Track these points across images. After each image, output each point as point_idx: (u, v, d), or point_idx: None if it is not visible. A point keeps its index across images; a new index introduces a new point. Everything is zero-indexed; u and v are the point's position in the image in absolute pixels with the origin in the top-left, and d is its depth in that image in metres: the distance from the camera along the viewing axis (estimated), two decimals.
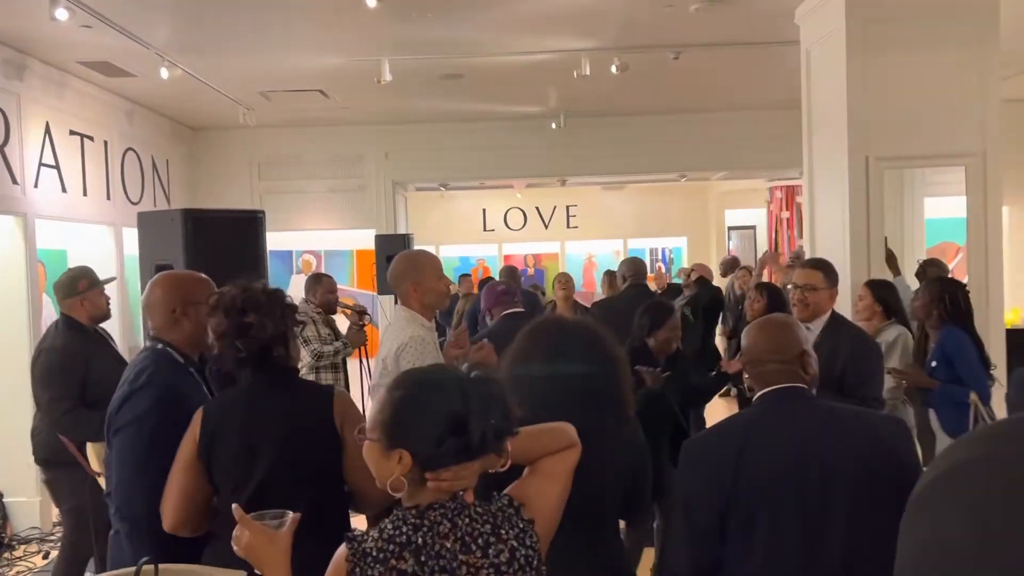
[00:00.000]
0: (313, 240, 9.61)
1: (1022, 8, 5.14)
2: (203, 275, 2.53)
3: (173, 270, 2.70)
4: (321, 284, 5.36)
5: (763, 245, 14.94)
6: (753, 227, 15.30)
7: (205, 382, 2.42)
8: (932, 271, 5.46)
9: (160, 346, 2.37)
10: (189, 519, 2.12)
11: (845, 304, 4.82)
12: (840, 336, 3.52)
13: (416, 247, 8.23)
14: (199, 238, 3.30)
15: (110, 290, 3.99)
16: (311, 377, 5.15)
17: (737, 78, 7.43)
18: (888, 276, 4.89)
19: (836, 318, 3.67)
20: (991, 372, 4.08)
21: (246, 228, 3.61)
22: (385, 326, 3.22)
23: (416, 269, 3.08)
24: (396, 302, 3.42)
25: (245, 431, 2.11)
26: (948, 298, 4.11)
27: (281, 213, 9.08)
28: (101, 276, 4.04)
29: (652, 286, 8.07)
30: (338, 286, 9.55)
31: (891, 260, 5.12)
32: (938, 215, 7.87)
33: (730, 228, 15.22)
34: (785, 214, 14.05)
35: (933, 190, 7.58)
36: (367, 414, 1.61)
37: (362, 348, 5.38)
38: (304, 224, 9.24)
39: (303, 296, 5.45)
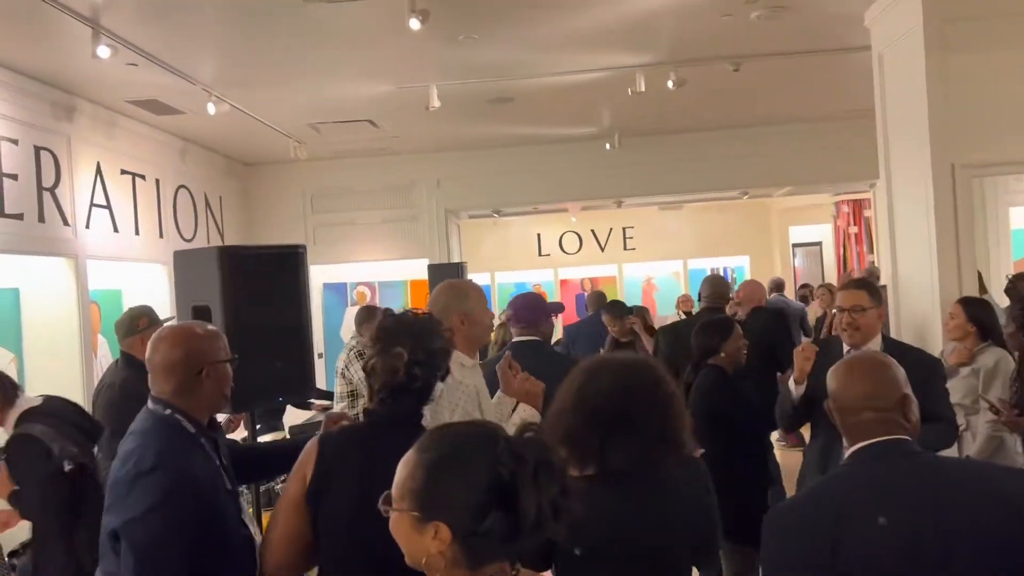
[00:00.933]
0: (367, 272, 9.49)
1: None
2: (213, 326, 2.32)
3: (181, 323, 2.43)
4: (375, 318, 5.16)
5: (830, 262, 14.42)
6: (819, 243, 14.78)
7: (216, 450, 2.18)
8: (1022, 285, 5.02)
9: (168, 412, 2.11)
10: (292, 563, 2.01)
11: (935, 325, 4.43)
12: (903, 357, 3.22)
13: (470, 275, 8.06)
14: (237, 276, 3.11)
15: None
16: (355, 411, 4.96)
17: (799, 88, 7.08)
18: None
19: (889, 339, 3.42)
20: None
21: (287, 263, 3.42)
22: None
23: (462, 299, 2.79)
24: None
25: (363, 475, 1.90)
26: None
27: (334, 245, 9.02)
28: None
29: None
30: None
31: (976, 278, 4.71)
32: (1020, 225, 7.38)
33: (795, 245, 14.73)
34: (853, 229, 13.54)
35: (1018, 199, 7.10)
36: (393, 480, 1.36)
37: None
38: (357, 256, 9.13)
39: (354, 331, 5.27)
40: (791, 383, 3.30)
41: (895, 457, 1.73)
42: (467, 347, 2.77)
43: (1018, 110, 4.30)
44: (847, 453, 1.79)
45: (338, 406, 5.05)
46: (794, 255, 14.76)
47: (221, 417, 2.91)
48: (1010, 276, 5.36)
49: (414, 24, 4.31)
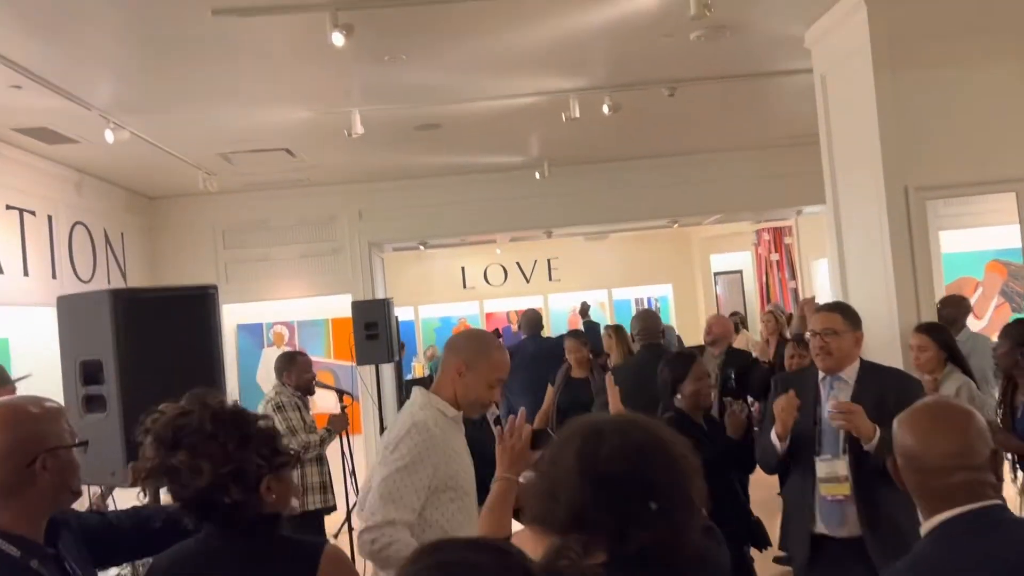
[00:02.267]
0: (285, 310, 8.93)
1: None
2: (52, 402, 1.74)
3: (7, 400, 1.83)
4: (296, 364, 4.70)
5: (750, 289, 14.52)
6: (740, 271, 14.89)
7: (59, 564, 1.61)
8: (948, 311, 4.94)
9: None
10: None
11: (894, 355, 4.24)
12: (883, 380, 3.07)
13: (396, 310, 7.63)
14: (135, 323, 2.64)
15: (46, 386, 3.32)
16: (295, 472, 4.46)
17: (731, 115, 6.97)
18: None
19: (867, 363, 3.19)
20: None
21: (195, 307, 2.95)
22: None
23: (481, 354, 2.42)
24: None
25: None
26: None
27: (248, 283, 8.44)
28: (34, 370, 3.39)
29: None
30: (314, 359, 8.93)
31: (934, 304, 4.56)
32: (953, 249, 7.41)
33: (716, 273, 14.80)
34: (774, 256, 13.63)
35: (948, 223, 7.11)
36: None
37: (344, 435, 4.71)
38: (274, 293, 8.57)
39: (275, 378, 4.78)
40: (774, 437, 3.03)
41: (996, 528, 1.42)
42: (461, 398, 2.42)
43: (969, 129, 4.19)
44: (930, 524, 1.47)
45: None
46: (716, 283, 14.83)
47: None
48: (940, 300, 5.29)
49: (337, 39, 3.92)
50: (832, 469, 2.92)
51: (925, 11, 4.20)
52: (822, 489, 2.93)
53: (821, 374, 3.11)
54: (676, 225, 9.87)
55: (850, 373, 3.07)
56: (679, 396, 3.60)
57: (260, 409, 4.62)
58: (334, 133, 6.04)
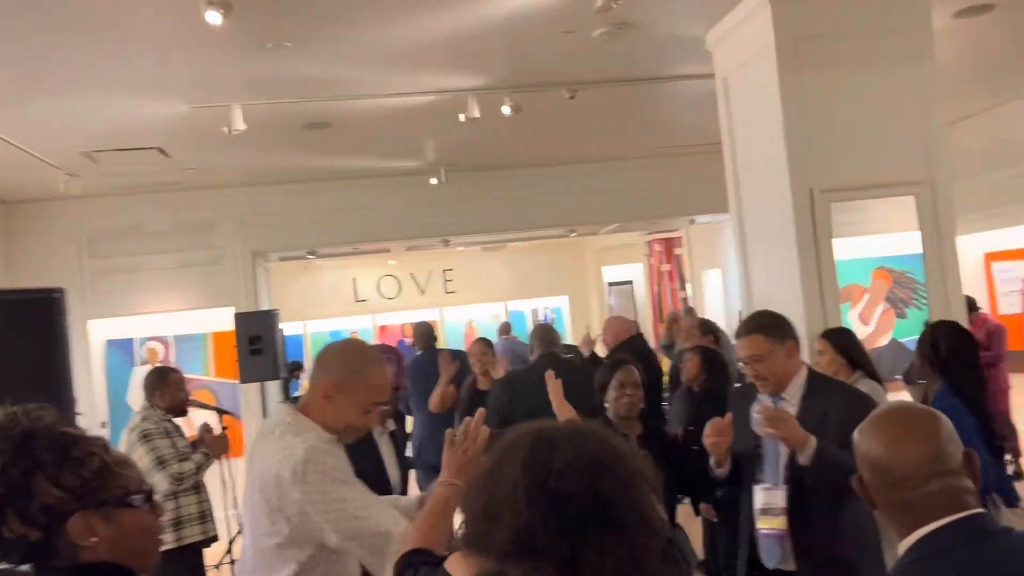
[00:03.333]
0: (159, 325, 8.26)
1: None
2: None
3: None
4: (167, 382, 4.21)
5: (642, 300, 14.66)
6: (631, 282, 15.03)
7: None
8: None
9: None
10: None
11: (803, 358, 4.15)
12: (829, 398, 2.81)
13: (282, 324, 7.15)
14: None
15: None
16: (170, 504, 3.98)
17: (632, 120, 6.89)
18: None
19: (815, 376, 2.95)
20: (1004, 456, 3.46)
21: (38, 313, 2.52)
22: (255, 435, 2.19)
23: (356, 373, 2.06)
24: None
25: None
26: (934, 345, 3.50)
27: (118, 296, 7.78)
28: None
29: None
30: (192, 376, 8.31)
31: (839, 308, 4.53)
32: (841, 256, 7.54)
33: (609, 284, 14.88)
34: (665, 267, 13.80)
35: (839, 230, 7.23)
36: None
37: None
38: (147, 306, 7.91)
39: (144, 400, 4.28)
40: (713, 465, 2.81)
41: (985, 539, 1.25)
42: (331, 423, 2.06)
43: (872, 132, 4.17)
44: (910, 541, 1.27)
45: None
46: (609, 294, 14.91)
47: None
48: None
49: (212, 18, 3.53)
50: (771, 499, 2.70)
51: (828, 12, 4.17)
52: (759, 522, 2.72)
53: (766, 396, 2.86)
54: (573, 234, 9.77)
55: (793, 391, 2.82)
56: (606, 404, 3.38)
57: (123, 439, 4.10)
58: (212, 130, 5.57)
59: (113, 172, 6.81)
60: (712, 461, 2.79)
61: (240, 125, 5.24)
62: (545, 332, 5.40)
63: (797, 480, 2.65)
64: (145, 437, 3.97)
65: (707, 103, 5.59)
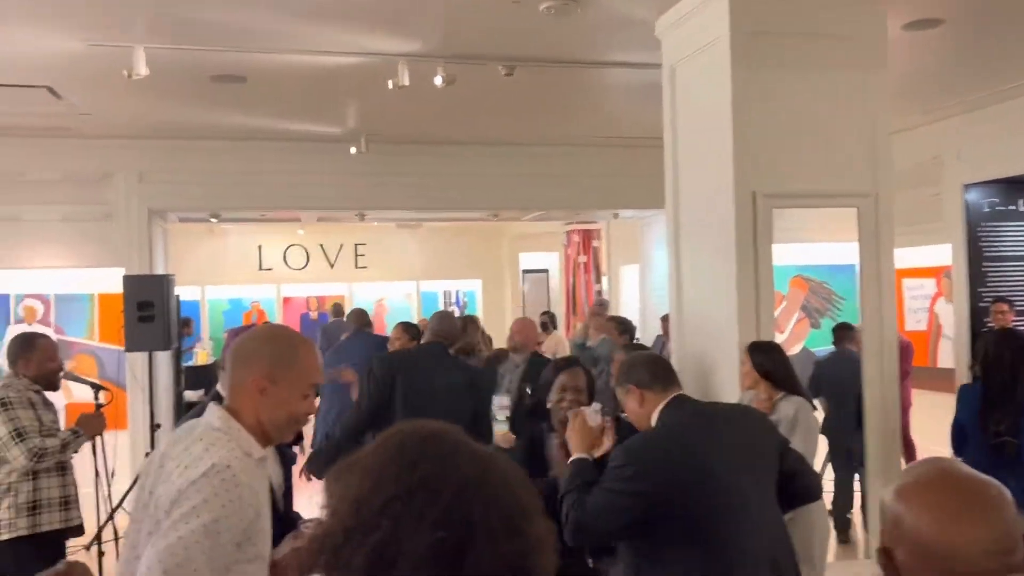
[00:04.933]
0: (39, 282, 7.57)
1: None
2: None
3: None
4: (35, 349, 3.72)
5: (556, 289, 14.56)
6: (546, 271, 14.90)
7: None
8: None
9: None
10: None
11: (727, 371, 4.00)
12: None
13: (177, 289, 6.61)
14: None
15: None
16: (26, 486, 3.51)
17: (568, 106, 6.63)
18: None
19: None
20: None
21: None
22: (174, 434, 1.83)
23: (287, 360, 1.80)
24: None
25: None
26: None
27: None
28: None
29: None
30: (75, 340, 7.66)
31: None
32: None
33: (524, 271, 14.71)
34: (582, 258, 13.69)
35: (776, 236, 7.20)
36: None
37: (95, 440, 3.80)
38: (26, 261, 7.23)
39: (7, 367, 3.78)
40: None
41: None
42: (258, 430, 1.78)
43: (823, 137, 4.03)
44: None
45: None
46: (524, 281, 14.73)
47: None
48: None
49: None
50: None
51: (785, 8, 4.00)
52: None
53: None
54: (496, 218, 9.48)
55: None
56: (548, 406, 3.12)
57: None
58: (111, 73, 5.00)
59: None
60: None
61: (142, 70, 4.71)
62: (442, 322, 4.90)
63: None
64: (3, 405, 3.48)
65: (648, 95, 5.39)
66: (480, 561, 0.93)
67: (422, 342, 4.92)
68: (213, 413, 1.77)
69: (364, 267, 13.48)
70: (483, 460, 1.02)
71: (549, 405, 3.06)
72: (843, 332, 6.32)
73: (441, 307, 13.42)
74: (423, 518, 0.94)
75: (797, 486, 2.54)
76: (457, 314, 13.60)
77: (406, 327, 5.31)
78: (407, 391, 4.24)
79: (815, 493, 2.71)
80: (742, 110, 3.93)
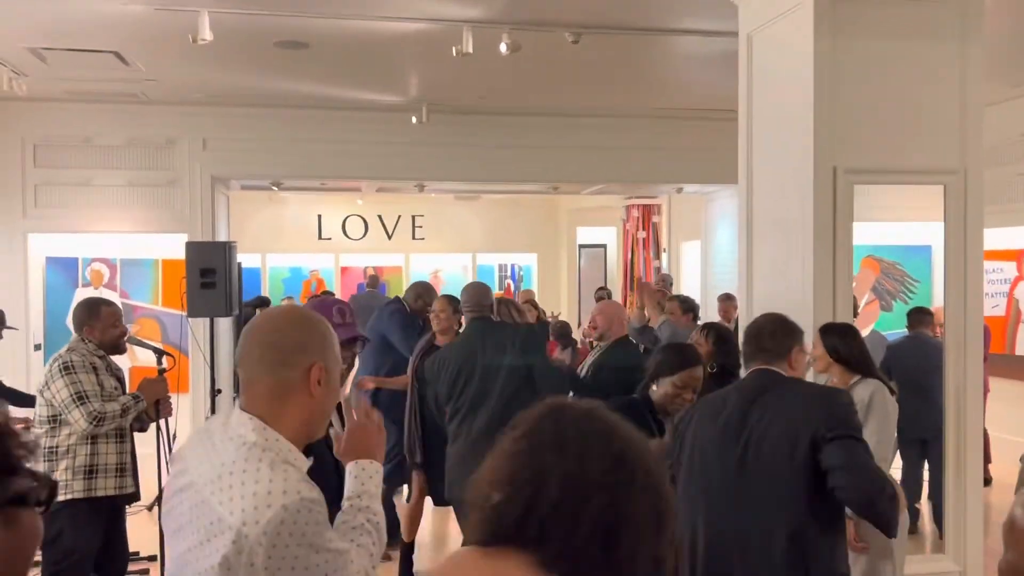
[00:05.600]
0: (106, 246, 7.71)
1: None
2: None
3: None
4: (99, 316, 3.73)
5: (613, 265, 14.36)
6: (604, 246, 14.70)
7: None
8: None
9: None
10: None
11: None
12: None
13: (240, 256, 6.64)
14: None
15: None
16: (84, 449, 3.54)
17: (636, 75, 6.43)
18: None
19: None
20: None
21: None
22: (198, 436, 1.63)
23: (329, 343, 1.59)
24: (236, 400, 1.74)
25: None
26: None
27: (62, 210, 7.23)
28: None
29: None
30: (139, 304, 7.80)
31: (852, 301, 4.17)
32: None
33: (581, 246, 14.53)
34: (641, 234, 13.47)
35: None
36: None
37: (158, 405, 3.82)
38: (94, 225, 7.35)
39: (74, 332, 3.81)
40: None
41: None
42: (310, 428, 1.57)
43: (909, 110, 3.79)
44: None
45: (38, 430, 3.58)
46: (581, 256, 14.57)
47: None
48: None
49: None
50: None
51: None
52: None
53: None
54: (555, 191, 9.32)
55: None
56: (654, 388, 3.03)
57: (47, 369, 3.64)
58: (176, 38, 5.01)
59: (64, 76, 6.22)
60: None
61: (207, 35, 4.69)
62: (474, 292, 4.70)
63: None
64: (66, 369, 3.51)
65: (721, 64, 5.18)
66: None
67: (463, 319, 4.72)
68: (240, 421, 1.50)
69: (421, 238, 13.47)
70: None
71: (654, 388, 2.98)
72: (919, 316, 6.04)
73: (496, 281, 13.37)
74: (636, 488, 1.10)
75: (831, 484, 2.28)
76: (513, 288, 13.56)
77: (449, 300, 5.13)
78: (468, 379, 4.14)
79: (842, 494, 2.29)
80: (824, 80, 3.72)
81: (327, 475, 1.74)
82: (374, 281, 11.05)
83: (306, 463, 1.52)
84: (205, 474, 1.47)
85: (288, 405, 1.52)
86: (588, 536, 1.07)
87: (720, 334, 4.13)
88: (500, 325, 4.39)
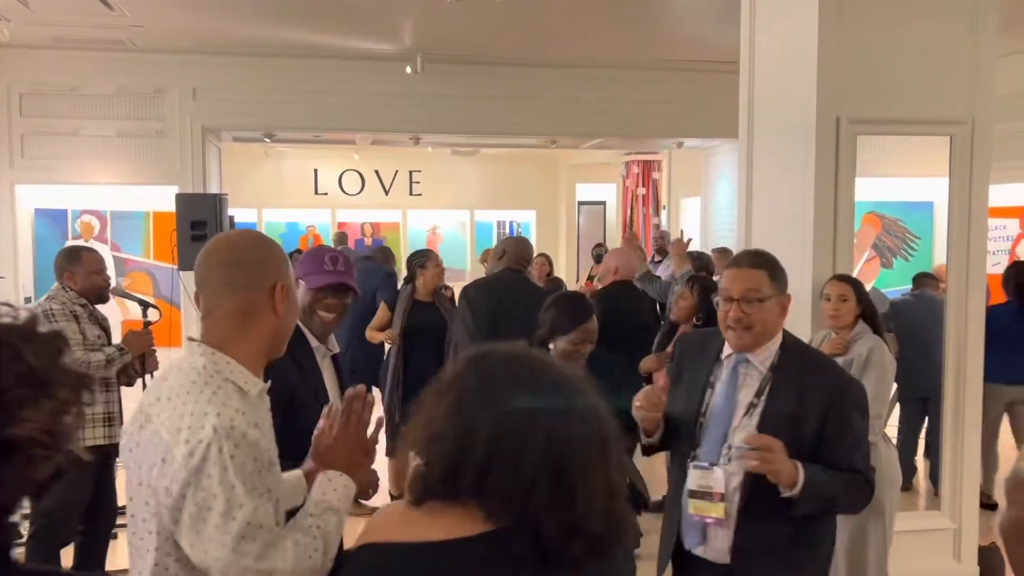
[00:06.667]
0: (96, 197, 7.59)
1: None
2: None
3: None
4: (80, 262, 3.65)
5: (612, 222, 14.26)
6: (603, 203, 14.59)
7: None
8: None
9: None
10: None
11: (801, 308, 3.74)
12: (810, 373, 2.25)
13: (231, 211, 6.54)
14: None
15: None
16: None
17: (638, 25, 6.25)
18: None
19: (790, 343, 2.33)
20: None
21: None
22: (159, 379, 1.55)
23: (280, 266, 1.57)
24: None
25: None
26: None
27: (51, 160, 7.10)
28: None
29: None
30: (129, 257, 7.71)
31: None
32: None
33: (580, 203, 14.41)
34: (641, 190, 13.34)
35: None
36: None
37: (143, 359, 3.75)
38: (83, 176, 7.22)
39: (56, 281, 3.73)
40: (642, 434, 2.36)
41: None
42: (276, 344, 1.57)
43: (916, 59, 3.67)
44: None
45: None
46: (579, 213, 14.46)
47: None
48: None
49: None
50: (706, 481, 2.20)
51: None
52: (690, 506, 2.22)
53: (727, 351, 2.30)
54: (554, 145, 9.17)
55: (764, 356, 2.25)
56: (551, 347, 2.97)
57: None
58: None
59: (50, 20, 6.04)
60: (644, 430, 2.34)
61: None
62: (517, 246, 4.74)
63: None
64: (45, 317, 3.43)
65: (722, 13, 5.02)
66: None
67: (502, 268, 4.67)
68: (193, 351, 1.48)
69: (419, 194, 13.36)
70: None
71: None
72: (924, 279, 5.98)
73: (494, 239, 13.26)
74: (575, 418, 1.11)
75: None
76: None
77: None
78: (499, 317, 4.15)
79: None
80: (828, 28, 3.60)
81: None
82: (342, 238, 10.85)
83: (260, 385, 1.51)
84: (155, 403, 1.46)
85: (253, 324, 1.51)
86: (530, 479, 1.05)
87: (705, 286, 4.07)
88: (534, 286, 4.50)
